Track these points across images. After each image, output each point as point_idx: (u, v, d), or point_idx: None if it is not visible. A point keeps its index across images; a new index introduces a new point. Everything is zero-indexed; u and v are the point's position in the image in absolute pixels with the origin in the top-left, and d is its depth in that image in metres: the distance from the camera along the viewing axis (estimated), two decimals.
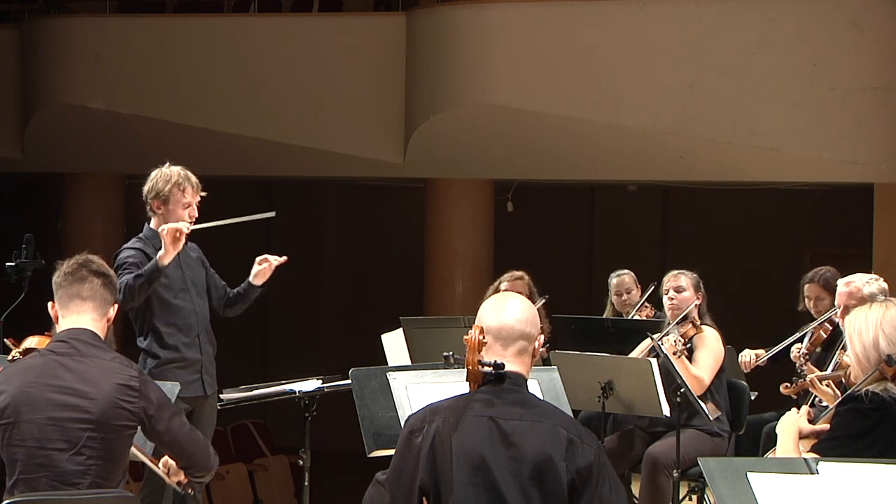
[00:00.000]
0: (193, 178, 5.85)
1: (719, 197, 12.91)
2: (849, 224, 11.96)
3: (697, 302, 6.53)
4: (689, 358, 6.37)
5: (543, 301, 6.99)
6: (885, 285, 6.33)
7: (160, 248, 5.60)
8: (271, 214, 6.01)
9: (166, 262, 5.54)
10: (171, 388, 4.49)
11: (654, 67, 10.01)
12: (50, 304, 3.98)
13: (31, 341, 4.94)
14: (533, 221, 13.64)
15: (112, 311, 3.97)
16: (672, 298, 6.55)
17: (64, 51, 11.93)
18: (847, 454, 3.59)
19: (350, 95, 11.35)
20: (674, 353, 6.15)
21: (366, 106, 11.31)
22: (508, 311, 3.54)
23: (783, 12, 9.76)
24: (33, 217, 13.17)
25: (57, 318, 3.95)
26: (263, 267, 5.95)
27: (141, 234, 5.87)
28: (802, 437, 3.98)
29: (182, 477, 4.21)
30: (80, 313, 3.90)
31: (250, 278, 5.98)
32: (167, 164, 5.89)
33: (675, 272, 6.64)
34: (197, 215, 5.81)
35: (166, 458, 4.16)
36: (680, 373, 6.05)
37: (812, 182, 11.39)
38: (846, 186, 10.91)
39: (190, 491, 4.41)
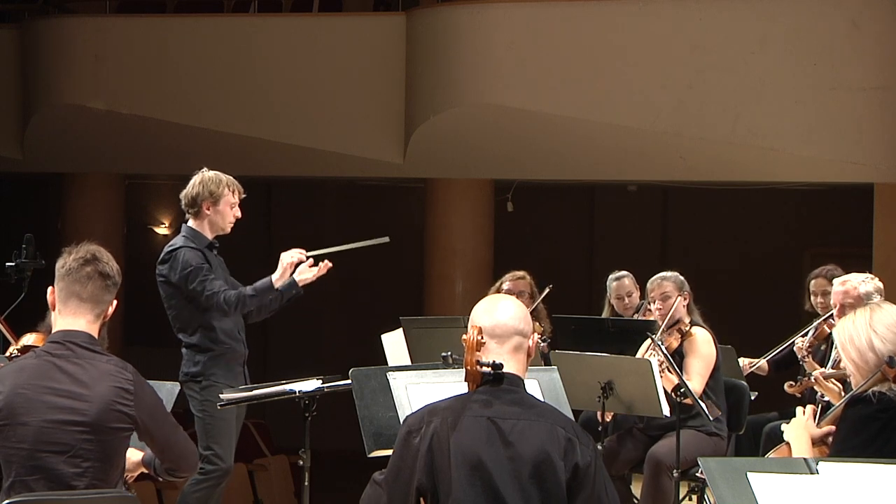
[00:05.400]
0: (236, 181, 6.16)
1: (719, 197, 12.90)
2: (849, 224, 11.96)
3: (684, 303, 6.53)
4: (680, 365, 6.36)
5: (548, 290, 7.21)
6: (881, 284, 6.34)
7: (205, 247, 6.03)
8: (385, 240, 6.37)
9: (279, 285, 5.97)
10: (170, 389, 4.48)
11: (654, 67, 10.01)
12: (50, 289, 3.95)
13: (29, 338, 4.93)
14: (533, 221, 13.64)
15: (110, 310, 3.96)
16: (659, 308, 6.55)
17: (64, 51, 11.94)
18: (865, 457, 3.56)
19: (350, 95, 11.35)
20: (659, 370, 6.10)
21: (366, 106, 11.32)
22: (501, 310, 3.58)
23: (783, 12, 9.77)
24: (33, 217, 13.17)
25: (54, 305, 3.93)
26: (310, 267, 6.10)
27: (184, 234, 6.10)
28: (813, 442, 3.95)
29: (131, 475, 4.19)
30: (77, 315, 3.87)
31: (296, 277, 6.12)
32: (204, 169, 6.16)
33: (658, 279, 6.63)
34: (240, 215, 6.13)
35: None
36: (696, 398, 6.01)
37: (812, 182, 11.39)
38: (846, 186, 10.91)
39: (133, 492, 4.44)
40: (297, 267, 6.04)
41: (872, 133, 9.63)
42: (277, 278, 5.96)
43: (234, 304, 5.92)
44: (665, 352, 6.16)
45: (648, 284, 6.70)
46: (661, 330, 6.46)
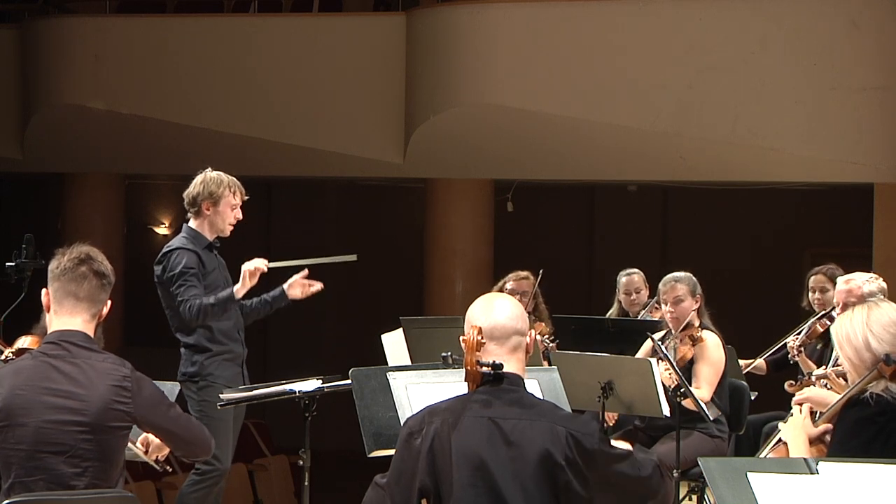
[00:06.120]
0: (239, 183, 6.16)
1: (719, 197, 12.90)
2: (849, 224, 11.96)
3: (696, 307, 6.44)
4: (690, 369, 6.32)
5: (540, 275, 7.33)
6: (885, 284, 6.34)
7: (204, 248, 6.02)
8: (353, 258, 6.22)
9: (241, 294, 5.94)
10: (171, 389, 4.48)
11: (654, 67, 10.00)
12: (44, 290, 3.94)
13: (24, 341, 4.92)
14: (533, 221, 13.64)
15: (105, 310, 3.96)
16: (672, 311, 6.43)
17: (64, 51, 11.94)
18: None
19: (350, 95, 11.35)
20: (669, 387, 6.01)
21: (366, 106, 11.31)
22: (498, 310, 3.57)
23: (783, 12, 9.77)
24: (33, 217, 13.17)
25: (48, 307, 3.92)
26: (303, 284, 6.11)
27: (184, 234, 6.11)
28: (811, 441, 3.95)
29: (161, 454, 4.23)
30: (73, 314, 3.87)
31: (285, 287, 6.12)
32: (208, 169, 6.17)
33: (671, 281, 6.48)
34: (241, 217, 6.14)
35: (146, 435, 4.15)
36: (696, 399, 5.98)
37: (812, 182, 11.39)
38: (846, 186, 10.91)
39: (168, 468, 4.48)
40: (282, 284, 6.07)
41: (872, 133, 9.63)
42: (238, 288, 5.92)
43: (195, 313, 5.88)
44: (672, 361, 6.07)
45: (661, 285, 6.54)
46: (672, 337, 6.39)
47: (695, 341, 6.34)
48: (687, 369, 6.28)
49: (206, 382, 5.97)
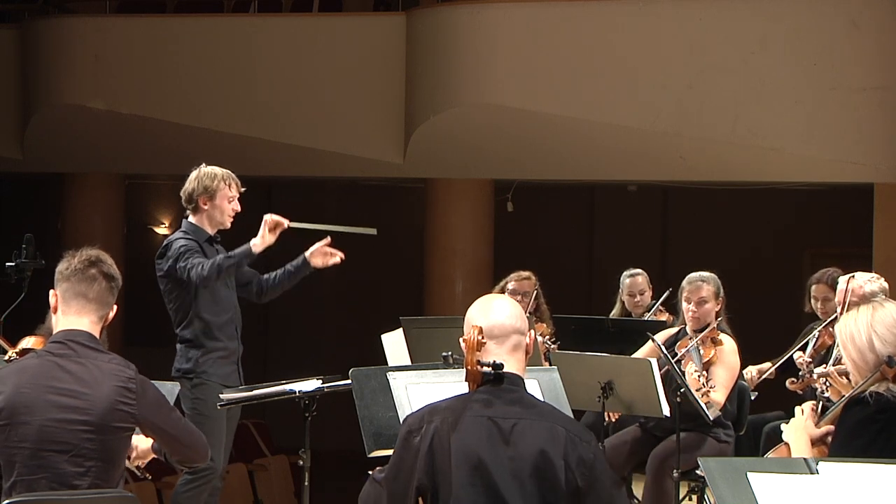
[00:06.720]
0: (234, 175, 6.14)
1: (719, 197, 12.90)
2: (849, 224, 11.96)
3: (718, 309, 6.38)
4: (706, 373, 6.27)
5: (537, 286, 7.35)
6: (886, 284, 6.33)
7: (204, 241, 5.98)
8: (373, 231, 6.19)
9: (259, 249, 5.83)
10: (170, 389, 4.48)
11: (654, 67, 10.01)
12: (52, 291, 3.93)
13: (28, 341, 4.92)
14: (533, 221, 13.64)
15: (112, 314, 3.96)
16: (694, 311, 6.36)
17: (64, 51, 11.94)
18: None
19: (350, 95, 11.35)
20: (697, 390, 5.94)
21: (366, 106, 11.32)
22: (497, 310, 3.58)
23: (783, 12, 9.77)
24: (33, 217, 13.17)
25: (55, 308, 3.92)
26: (325, 253, 6.07)
27: (184, 228, 6.09)
28: (813, 443, 3.93)
29: (143, 461, 4.23)
30: (81, 315, 3.87)
31: (307, 255, 6.07)
32: (203, 164, 6.15)
33: (698, 280, 6.39)
34: (239, 209, 6.11)
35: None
36: (698, 400, 5.96)
37: (812, 182, 11.39)
38: (846, 186, 10.91)
39: (147, 476, 4.47)
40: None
41: (872, 133, 9.63)
42: (257, 242, 5.83)
43: (210, 271, 5.76)
44: (673, 364, 6.04)
45: (686, 283, 6.44)
46: (693, 338, 6.35)
47: (714, 343, 6.31)
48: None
49: (200, 380, 5.95)
